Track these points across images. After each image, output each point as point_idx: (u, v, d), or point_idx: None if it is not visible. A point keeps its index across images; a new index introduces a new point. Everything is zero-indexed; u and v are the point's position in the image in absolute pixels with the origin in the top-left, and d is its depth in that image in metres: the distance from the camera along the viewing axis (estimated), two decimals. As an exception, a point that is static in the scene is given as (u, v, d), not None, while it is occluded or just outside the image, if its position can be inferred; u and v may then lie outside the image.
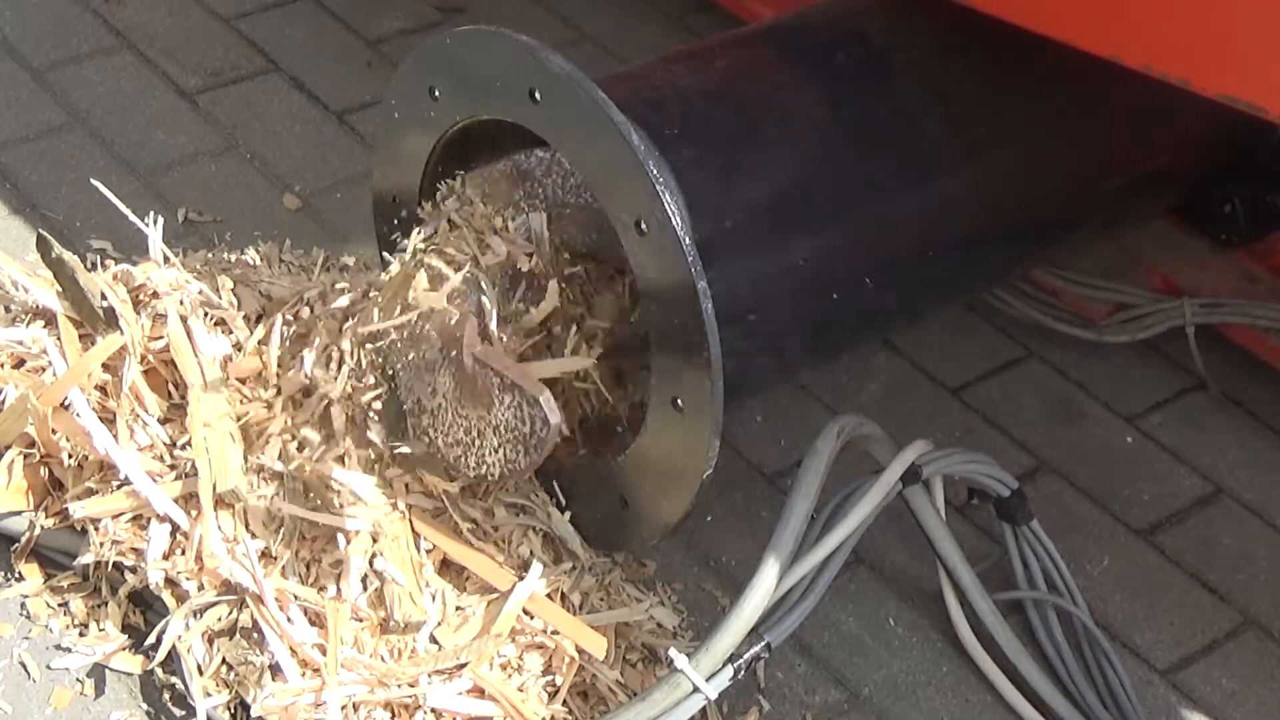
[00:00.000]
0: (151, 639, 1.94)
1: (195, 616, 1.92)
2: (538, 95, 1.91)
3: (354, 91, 2.88)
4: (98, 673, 1.95)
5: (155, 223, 2.19)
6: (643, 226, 1.85)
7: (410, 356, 1.97)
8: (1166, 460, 2.43)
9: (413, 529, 1.98)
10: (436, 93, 2.05)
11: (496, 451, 1.94)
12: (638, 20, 3.15)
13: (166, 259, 2.18)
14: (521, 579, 1.97)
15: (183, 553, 1.94)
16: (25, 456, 2.03)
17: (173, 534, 1.96)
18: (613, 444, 2.06)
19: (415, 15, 3.09)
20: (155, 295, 2.09)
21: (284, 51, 2.97)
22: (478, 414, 1.93)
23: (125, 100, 2.82)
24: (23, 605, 2.01)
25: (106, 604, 1.99)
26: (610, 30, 3.10)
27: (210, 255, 2.27)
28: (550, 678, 1.94)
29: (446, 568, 1.99)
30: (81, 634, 1.98)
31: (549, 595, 1.99)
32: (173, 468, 2.00)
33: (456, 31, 2.03)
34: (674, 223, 1.82)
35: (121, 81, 2.85)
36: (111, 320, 2.05)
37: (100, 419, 2.00)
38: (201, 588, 1.92)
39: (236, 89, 2.87)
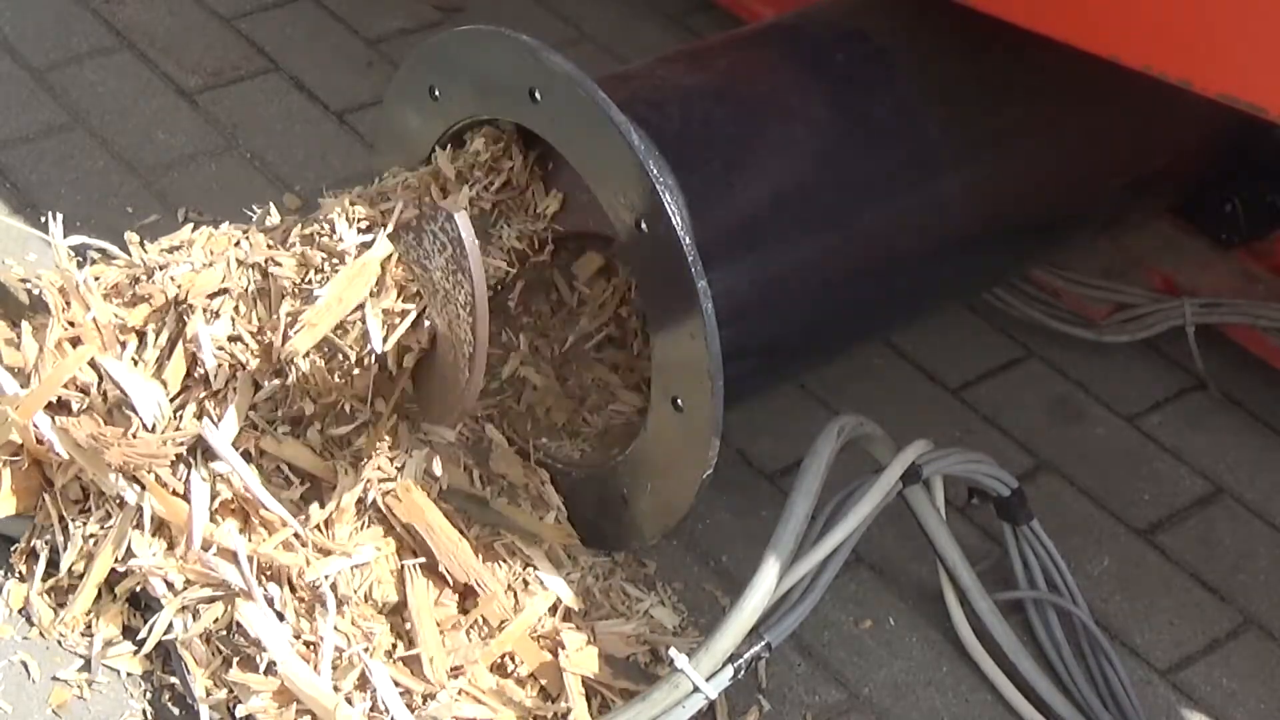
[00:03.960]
0: (144, 633, 1.94)
1: (193, 617, 1.92)
2: (538, 95, 1.92)
3: (354, 91, 2.88)
4: (98, 673, 1.95)
5: (56, 219, 2.19)
6: (643, 226, 1.85)
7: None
8: (1166, 460, 2.43)
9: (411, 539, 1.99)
10: (436, 93, 2.06)
11: (461, 315, 1.91)
12: (638, 20, 3.15)
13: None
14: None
15: (170, 547, 1.94)
16: (12, 463, 2.02)
17: (160, 529, 1.96)
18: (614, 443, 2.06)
19: (415, 15, 3.09)
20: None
21: (284, 51, 2.97)
22: (436, 296, 1.94)
23: (125, 100, 2.81)
24: (23, 605, 2.01)
25: (106, 604, 1.99)
26: (610, 30, 3.10)
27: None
28: (548, 679, 1.95)
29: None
30: (82, 634, 1.98)
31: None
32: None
33: (456, 31, 2.03)
34: (674, 223, 1.82)
35: (121, 81, 2.85)
36: (38, 304, 2.06)
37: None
38: (189, 583, 1.92)
39: (236, 89, 2.87)
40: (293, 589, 1.93)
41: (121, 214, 2.57)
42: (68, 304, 2.05)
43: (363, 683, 1.89)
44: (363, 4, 3.09)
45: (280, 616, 1.91)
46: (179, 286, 2.03)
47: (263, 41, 2.99)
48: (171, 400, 2.01)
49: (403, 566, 1.96)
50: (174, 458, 1.96)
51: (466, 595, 1.98)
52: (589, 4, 3.16)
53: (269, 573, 1.93)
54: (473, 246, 1.88)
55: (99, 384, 2.00)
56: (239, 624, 1.90)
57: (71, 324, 2.04)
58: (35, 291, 2.11)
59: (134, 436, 1.97)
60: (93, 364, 2.01)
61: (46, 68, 2.86)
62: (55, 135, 2.72)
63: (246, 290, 2.02)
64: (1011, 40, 2.01)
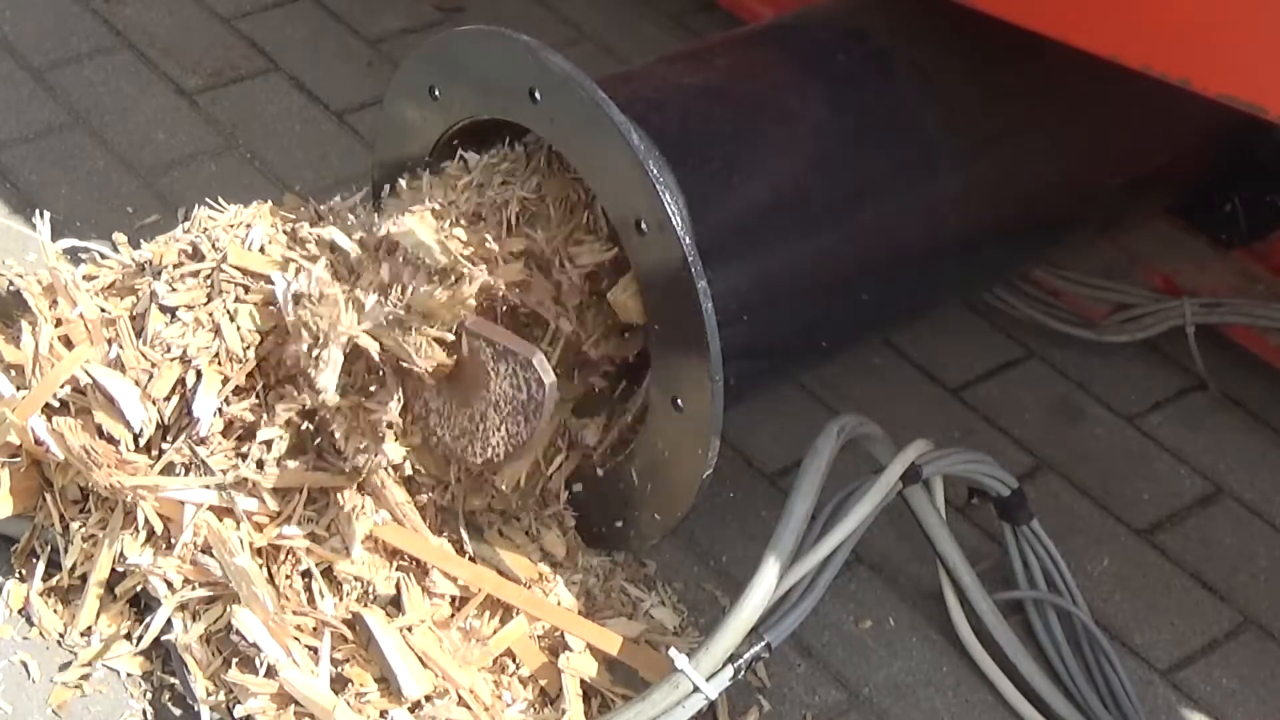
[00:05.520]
0: (140, 630, 1.94)
1: (193, 618, 1.92)
2: (538, 95, 1.92)
3: (354, 91, 2.88)
4: (98, 673, 1.95)
5: (43, 218, 2.18)
6: (643, 226, 1.85)
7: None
8: (1166, 460, 2.43)
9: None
10: (436, 93, 2.05)
11: (499, 430, 1.93)
12: (638, 20, 3.15)
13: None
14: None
15: (169, 546, 1.94)
16: (11, 464, 2.02)
17: (157, 532, 1.96)
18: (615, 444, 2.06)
19: (415, 15, 3.09)
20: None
21: (284, 51, 2.97)
22: (478, 395, 1.93)
23: (125, 100, 2.82)
24: (23, 605, 2.01)
25: (107, 604, 1.99)
26: (610, 30, 3.10)
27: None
28: (547, 680, 1.95)
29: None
30: (82, 634, 1.98)
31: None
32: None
33: (456, 31, 2.03)
34: (674, 223, 1.82)
35: (121, 81, 2.85)
36: (20, 303, 2.07)
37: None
38: (187, 582, 1.92)
39: (236, 89, 2.87)
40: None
41: (121, 214, 2.57)
42: (54, 302, 2.06)
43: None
44: (363, 4, 3.09)
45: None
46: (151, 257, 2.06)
47: (263, 41, 2.99)
48: (167, 397, 2.01)
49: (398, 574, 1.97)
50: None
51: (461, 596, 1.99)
52: (589, 4, 3.16)
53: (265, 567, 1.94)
54: (543, 425, 1.92)
55: (94, 383, 2.01)
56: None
57: (60, 321, 2.05)
58: (12, 289, 2.11)
59: (125, 451, 1.97)
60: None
61: (46, 68, 2.86)
62: (55, 135, 2.72)
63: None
64: (1011, 40, 2.01)
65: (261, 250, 2.08)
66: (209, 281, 2.05)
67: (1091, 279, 2.57)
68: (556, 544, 2.05)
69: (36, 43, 2.90)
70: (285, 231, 2.11)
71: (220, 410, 1.99)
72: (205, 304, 2.04)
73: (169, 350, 2.00)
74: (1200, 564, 2.28)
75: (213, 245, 2.08)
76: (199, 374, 1.99)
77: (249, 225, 2.11)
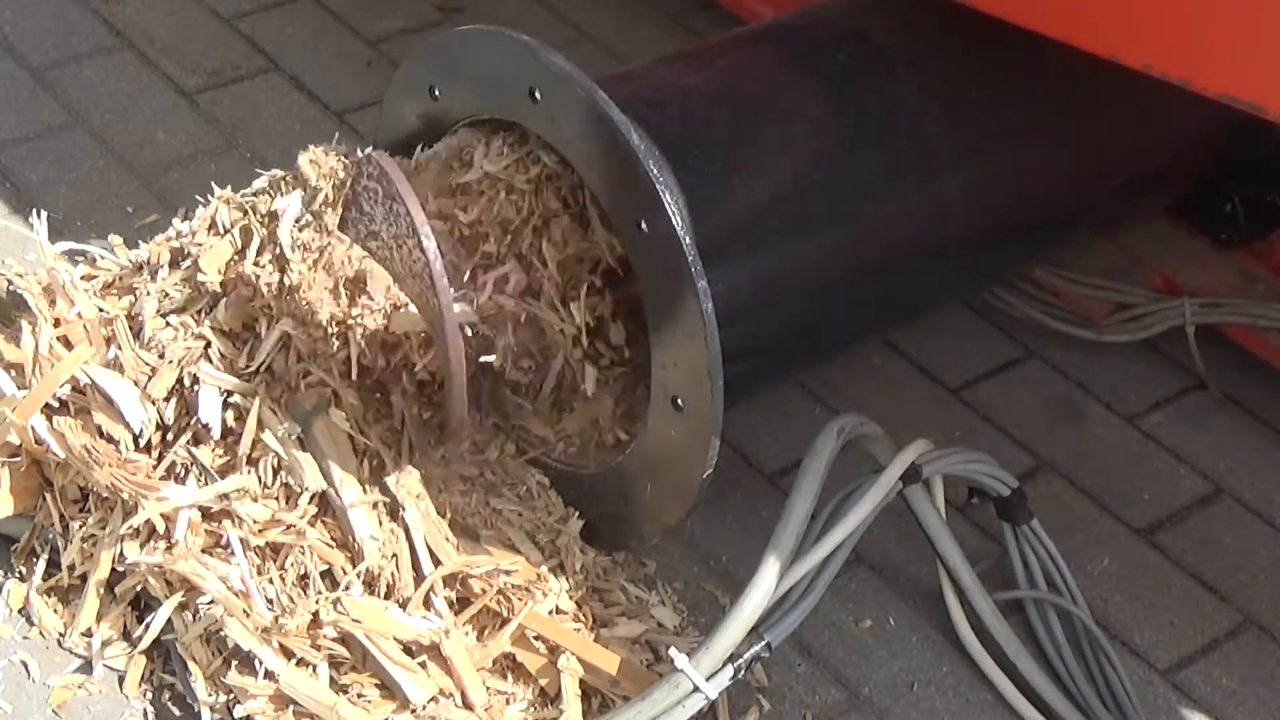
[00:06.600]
0: (140, 630, 1.94)
1: (193, 617, 1.92)
2: (538, 95, 1.92)
3: (354, 91, 2.88)
4: (98, 672, 1.95)
5: (41, 218, 2.18)
6: (643, 226, 1.85)
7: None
8: (1166, 460, 2.43)
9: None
10: (436, 92, 2.06)
11: (423, 281, 1.91)
12: (638, 20, 3.15)
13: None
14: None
15: (169, 548, 1.94)
16: (11, 464, 2.02)
17: (158, 532, 1.96)
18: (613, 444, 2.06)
19: (415, 15, 3.09)
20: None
21: (284, 51, 2.97)
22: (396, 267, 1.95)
23: (125, 100, 2.82)
24: (23, 605, 2.00)
25: (107, 605, 1.99)
26: (610, 30, 3.10)
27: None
28: (547, 680, 1.95)
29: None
30: (82, 634, 1.98)
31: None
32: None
33: (456, 31, 2.04)
34: (674, 223, 1.82)
35: (121, 81, 2.85)
36: (19, 303, 2.07)
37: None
38: (185, 582, 1.92)
39: (236, 89, 2.87)
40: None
41: (121, 214, 2.57)
42: (53, 302, 2.06)
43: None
44: (363, 4, 3.09)
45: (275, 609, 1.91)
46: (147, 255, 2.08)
47: (263, 41, 2.99)
48: (166, 398, 2.01)
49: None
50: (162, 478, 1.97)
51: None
52: (589, 4, 3.16)
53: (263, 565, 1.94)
54: (399, 175, 1.86)
55: (94, 383, 2.01)
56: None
57: (58, 321, 2.05)
58: (12, 289, 2.11)
59: (125, 451, 1.97)
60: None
61: (46, 68, 2.86)
62: (55, 135, 2.72)
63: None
64: (1011, 40, 2.01)
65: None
66: (192, 284, 2.06)
67: (1091, 279, 2.57)
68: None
69: (36, 43, 2.90)
70: (238, 209, 2.12)
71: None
72: (194, 306, 2.04)
73: (164, 353, 2.00)
74: (1200, 564, 2.28)
75: (196, 242, 2.08)
76: (195, 377, 1.99)
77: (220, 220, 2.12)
